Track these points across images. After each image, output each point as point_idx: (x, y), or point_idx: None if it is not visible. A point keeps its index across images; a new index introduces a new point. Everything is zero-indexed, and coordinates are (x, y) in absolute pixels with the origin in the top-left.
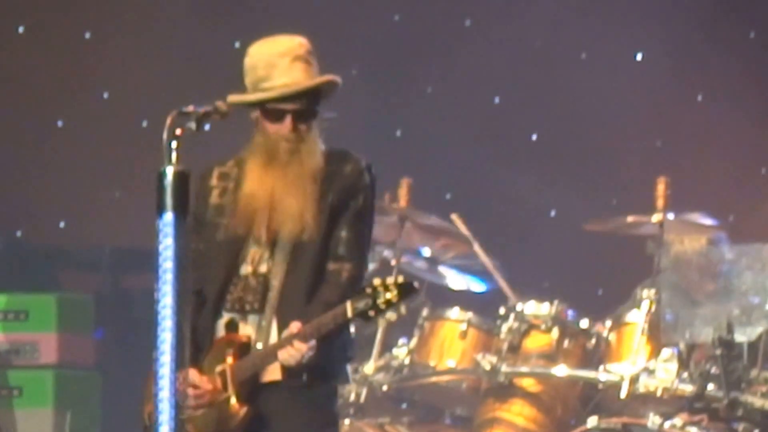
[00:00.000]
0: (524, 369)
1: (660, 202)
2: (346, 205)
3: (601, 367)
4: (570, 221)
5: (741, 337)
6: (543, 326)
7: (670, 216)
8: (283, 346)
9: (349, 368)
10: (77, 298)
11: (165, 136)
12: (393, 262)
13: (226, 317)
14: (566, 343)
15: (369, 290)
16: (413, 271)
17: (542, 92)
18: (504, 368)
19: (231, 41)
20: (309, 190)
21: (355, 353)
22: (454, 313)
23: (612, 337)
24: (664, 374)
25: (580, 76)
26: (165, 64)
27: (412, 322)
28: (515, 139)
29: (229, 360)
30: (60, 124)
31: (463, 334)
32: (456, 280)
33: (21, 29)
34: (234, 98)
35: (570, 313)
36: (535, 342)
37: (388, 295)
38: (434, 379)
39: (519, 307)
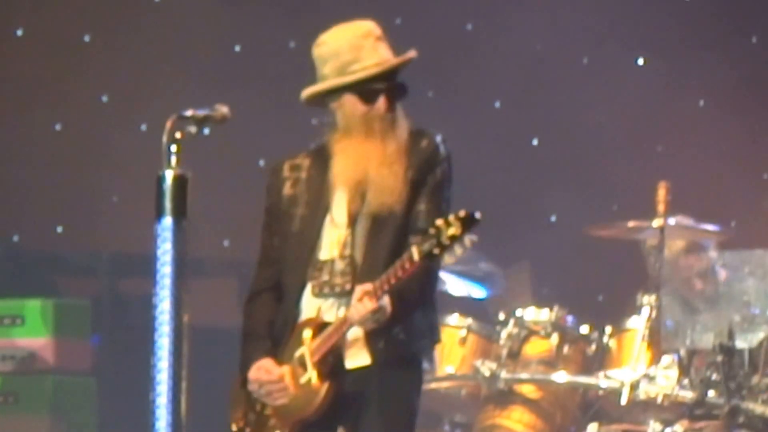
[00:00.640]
0: (524, 375)
1: (661, 208)
2: (425, 179)
3: (602, 374)
4: (570, 226)
5: (742, 343)
6: (543, 332)
7: (671, 221)
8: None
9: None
10: (74, 303)
11: (164, 139)
12: None
13: (312, 303)
14: (566, 349)
15: (432, 230)
16: None
17: (543, 97)
18: (503, 374)
19: (231, 45)
20: (401, 165)
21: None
22: (454, 319)
23: (612, 343)
24: (665, 381)
25: (581, 81)
26: (164, 67)
27: None
28: (516, 144)
29: (307, 341)
30: (58, 127)
31: (463, 340)
32: (456, 285)
33: (19, 32)
34: (322, 85)
35: (570, 319)
36: (535, 348)
37: (451, 231)
38: (433, 385)
39: (518, 312)
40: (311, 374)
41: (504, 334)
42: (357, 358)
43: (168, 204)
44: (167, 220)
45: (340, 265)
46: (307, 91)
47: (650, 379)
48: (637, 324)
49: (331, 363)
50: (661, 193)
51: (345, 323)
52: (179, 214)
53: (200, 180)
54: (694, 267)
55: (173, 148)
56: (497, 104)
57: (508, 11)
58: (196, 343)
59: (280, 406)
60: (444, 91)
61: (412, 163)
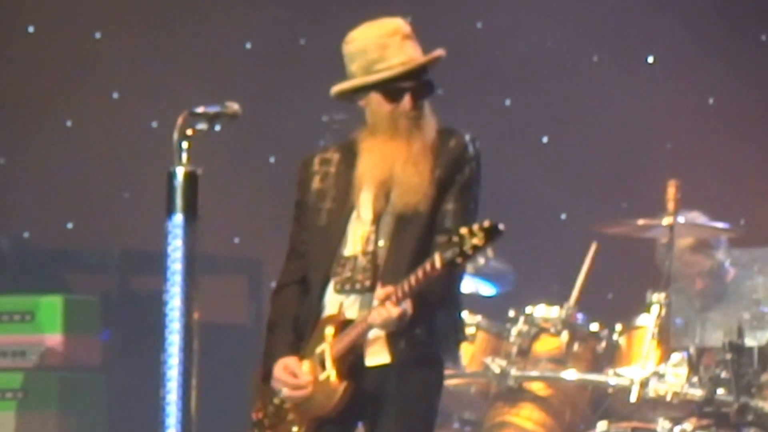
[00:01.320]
0: (534, 373)
1: (670, 205)
2: (453, 178)
3: (611, 371)
4: (580, 224)
5: (751, 341)
6: (553, 330)
7: (681, 219)
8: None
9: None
10: (84, 299)
11: (175, 136)
12: None
13: (334, 299)
14: (576, 346)
15: (456, 239)
16: None
17: (553, 95)
18: (513, 372)
19: (242, 42)
20: (427, 164)
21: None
22: (463, 316)
23: (622, 341)
24: (674, 379)
25: (592, 79)
26: (175, 64)
27: None
28: (526, 142)
29: (329, 339)
30: (69, 124)
31: (473, 338)
32: (465, 282)
33: (31, 29)
34: (347, 84)
35: (580, 316)
36: (545, 345)
37: (475, 240)
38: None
39: (528, 310)
40: (330, 372)
41: (514, 331)
42: (377, 356)
43: (179, 201)
44: (178, 217)
45: (362, 262)
46: (335, 89)
47: (660, 376)
48: (647, 322)
49: (351, 362)
50: (671, 191)
51: (367, 325)
52: (190, 210)
53: (211, 177)
54: (698, 266)
55: (184, 144)
56: (507, 102)
57: (519, 9)
58: (207, 339)
59: (296, 402)
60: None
61: (441, 163)
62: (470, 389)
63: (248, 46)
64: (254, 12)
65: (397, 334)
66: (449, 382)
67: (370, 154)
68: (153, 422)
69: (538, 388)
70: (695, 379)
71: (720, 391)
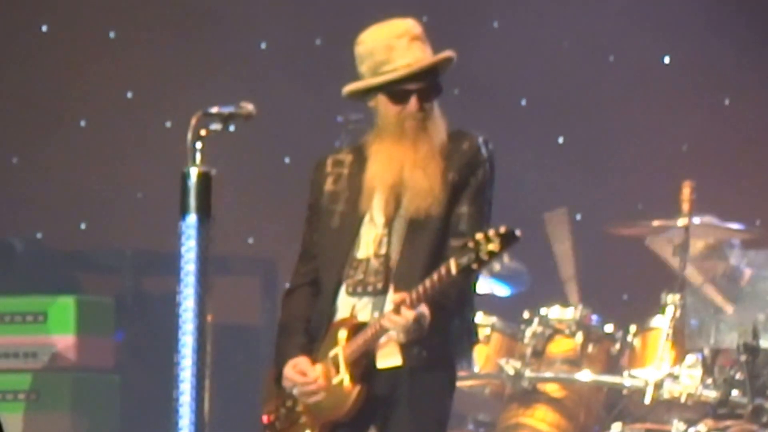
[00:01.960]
0: (548, 374)
1: (685, 207)
2: (466, 181)
3: (626, 373)
4: (595, 225)
5: (766, 342)
6: (567, 331)
7: (696, 220)
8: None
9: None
10: (97, 300)
11: (189, 136)
12: None
13: (347, 302)
14: (590, 348)
15: (471, 244)
16: None
17: (569, 95)
18: (528, 373)
19: (257, 41)
20: (437, 167)
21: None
22: (478, 317)
23: (636, 342)
24: (689, 380)
25: (608, 79)
26: (190, 64)
27: None
28: (542, 142)
29: (342, 342)
30: (83, 123)
31: (487, 339)
32: (480, 283)
33: (44, 28)
34: (355, 85)
35: (594, 317)
36: (559, 347)
37: (491, 246)
38: (457, 383)
39: (543, 311)
40: (344, 376)
41: (528, 332)
42: (389, 358)
43: (192, 201)
44: (192, 218)
45: (374, 264)
46: (346, 90)
47: (674, 378)
48: (662, 323)
49: (364, 366)
50: (686, 192)
51: (380, 329)
52: (204, 211)
53: (225, 177)
54: (711, 271)
55: (198, 145)
56: (523, 102)
57: (535, 8)
58: (220, 341)
59: (311, 405)
60: (470, 89)
61: (453, 166)
62: (484, 390)
63: (263, 46)
64: (269, 12)
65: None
66: (463, 384)
67: (378, 158)
68: (166, 423)
69: (552, 389)
70: (710, 380)
71: (735, 392)
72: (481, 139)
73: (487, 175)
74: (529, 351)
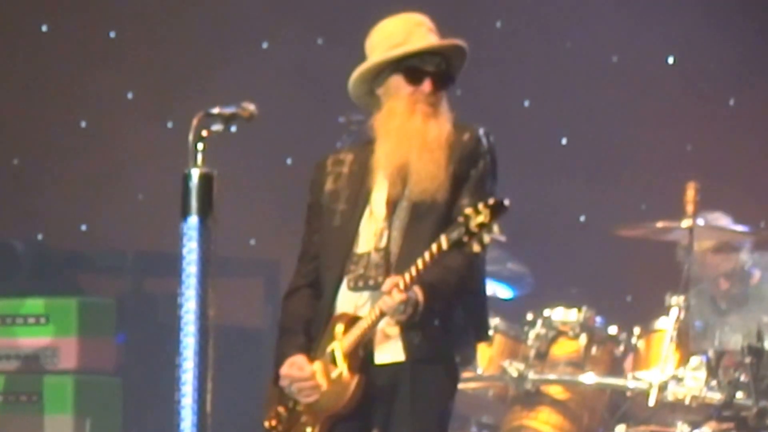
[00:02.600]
0: (551, 376)
1: (690, 208)
2: (467, 173)
3: (630, 375)
4: (599, 226)
5: None
6: (571, 333)
7: (700, 221)
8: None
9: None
10: (98, 302)
11: (191, 137)
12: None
13: (348, 297)
14: (594, 350)
15: (461, 219)
16: None
17: (573, 96)
18: (531, 375)
19: (258, 41)
20: (442, 154)
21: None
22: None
23: (641, 344)
24: (693, 382)
25: (611, 80)
26: (191, 64)
27: None
28: (545, 143)
29: (339, 336)
30: (83, 124)
31: (490, 341)
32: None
33: (44, 28)
34: (372, 60)
35: (598, 319)
36: (563, 349)
37: (480, 218)
38: (460, 386)
39: (547, 313)
40: (342, 368)
41: (532, 334)
42: (391, 352)
43: (194, 202)
44: (193, 219)
45: (375, 258)
46: (356, 72)
47: (678, 380)
48: (666, 325)
49: (361, 357)
50: (690, 193)
51: (376, 316)
52: (205, 212)
53: (226, 178)
54: (721, 267)
55: (199, 145)
56: (526, 103)
57: (538, 9)
58: (222, 342)
59: (311, 403)
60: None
61: (455, 157)
62: (488, 393)
63: (265, 45)
64: (271, 12)
65: (411, 330)
66: (467, 386)
67: (387, 139)
68: (168, 426)
69: (556, 391)
70: (714, 382)
71: (739, 394)
72: (482, 131)
73: (488, 167)
74: (532, 353)
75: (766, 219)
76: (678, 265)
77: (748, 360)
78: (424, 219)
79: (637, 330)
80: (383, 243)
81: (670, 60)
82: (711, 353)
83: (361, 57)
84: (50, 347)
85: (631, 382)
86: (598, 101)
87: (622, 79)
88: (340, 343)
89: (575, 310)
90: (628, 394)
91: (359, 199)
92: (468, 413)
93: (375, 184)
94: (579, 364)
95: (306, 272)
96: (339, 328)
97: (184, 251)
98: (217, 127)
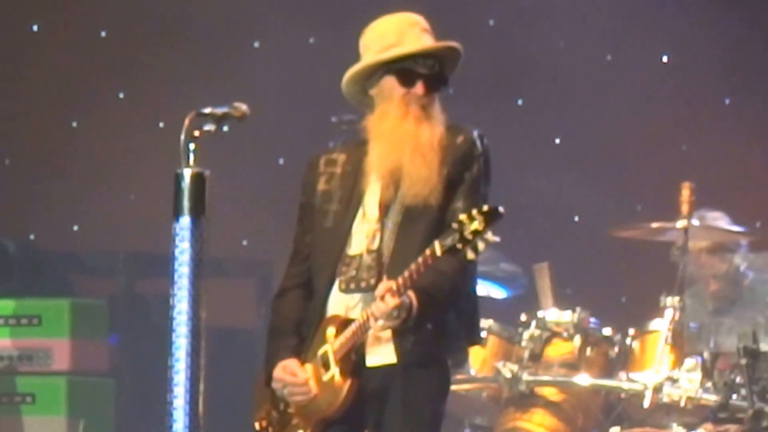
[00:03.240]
0: (546, 378)
1: (685, 208)
2: (461, 176)
3: (624, 376)
4: (594, 227)
5: (766, 346)
6: (565, 334)
7: (695, 222)
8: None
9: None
10: (91, 303)
11: (182, 137)
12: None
13: (339, 300)
14: (588, 351)
15: (455, 225)
16: None
17: (566, 95)
18: (525, 377)
19: (250, 40)
20: (435, 157)
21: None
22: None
23: (635, 345)
24: (688, 384)
25: (605, 79)
26: (182, 63)
27: None
28: (538, 143)
29: (331, 339)
30: (75, 124)
31: (483, 342)
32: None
33: (35, 27)
34: (365, 61)
35: (593, 320)
36: (557, 350)
37: (474, 225)
38: (454, 387)
39: (541, 314)
40: (334, 372)
41: (526, 335)
42: (383, 355)
43: (186, 203)
44: (185, 219)
45: (367, 260)
46: (348, 73)
47: (673, 381)
48: (661, 326)
49: (354, 360)
50: (685, 193)
51: (368, 320)
52: (197, 213)
53: (219, 178)
54: (714, 268)
55: (191, 145)
56: (520, 102)
57: (532, 8)
58: (215, 343)
59: (303, 405)
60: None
61: (448, 160)
62: (481, 394)
63: (256, 45)
64: (262, 11)
65: (404, 333)
66: (460, 387)
67: (380, 141)
68: (161, 426)
69: (550, 393)
70: (709, 384)
71: (734, 396)
72: (476, 134)
73: (482, 170)
74: (526, 354)
75: (762, 219)
76: (673, 265)
77: (743, 361)
78: (416, 221)
79: (631, 331)
80: (376, 245)
81: (665, 59)
82: (706, 354)
83: (354, 56)
84: (43, 348)
85: (625, 383)
86: (591, 100)
87: (616, 77)
88: (332, 347)
89: (569, 311)
90: (623, 395)
91: (352, 200)
92: (461, 415)
93: (368, 185)
94: (573, 365)
95: (297, 273)
96: (330, 330)
97: (176, 252)
98: (209, 126)
